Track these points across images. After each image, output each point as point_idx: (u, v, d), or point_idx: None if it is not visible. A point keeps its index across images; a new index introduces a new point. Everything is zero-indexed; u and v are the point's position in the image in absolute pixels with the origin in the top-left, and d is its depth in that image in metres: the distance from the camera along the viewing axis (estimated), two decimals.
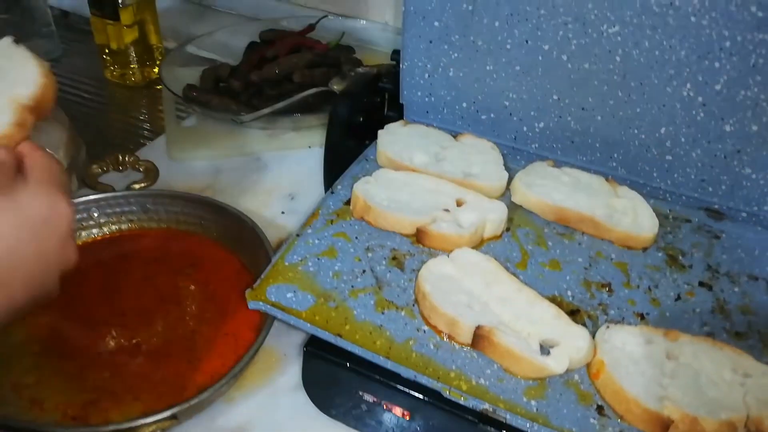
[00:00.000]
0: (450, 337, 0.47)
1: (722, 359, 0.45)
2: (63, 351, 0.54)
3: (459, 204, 0.58)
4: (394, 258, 0.54)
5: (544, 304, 0.48)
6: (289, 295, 0.51)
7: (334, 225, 0.58)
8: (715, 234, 0.59)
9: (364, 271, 0.53)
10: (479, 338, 0.45)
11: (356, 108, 0.67)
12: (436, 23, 0.64)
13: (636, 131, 0.61)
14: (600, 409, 0.44)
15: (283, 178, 0.78)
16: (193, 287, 0.61)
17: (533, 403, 0.44)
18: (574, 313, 0.50)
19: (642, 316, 0.50)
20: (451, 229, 0.55)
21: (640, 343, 0.46)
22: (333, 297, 0.50)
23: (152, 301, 0.59)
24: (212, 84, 0.88)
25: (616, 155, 0.63)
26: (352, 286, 0.51)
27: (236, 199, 0.74)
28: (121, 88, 1.04)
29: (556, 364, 0.44)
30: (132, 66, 1.02)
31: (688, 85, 0.56)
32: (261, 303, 0.50)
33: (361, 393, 0.48)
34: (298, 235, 0.56)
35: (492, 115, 0.67)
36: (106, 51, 1.01)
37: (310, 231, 0.57)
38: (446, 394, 0.44)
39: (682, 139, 0.59)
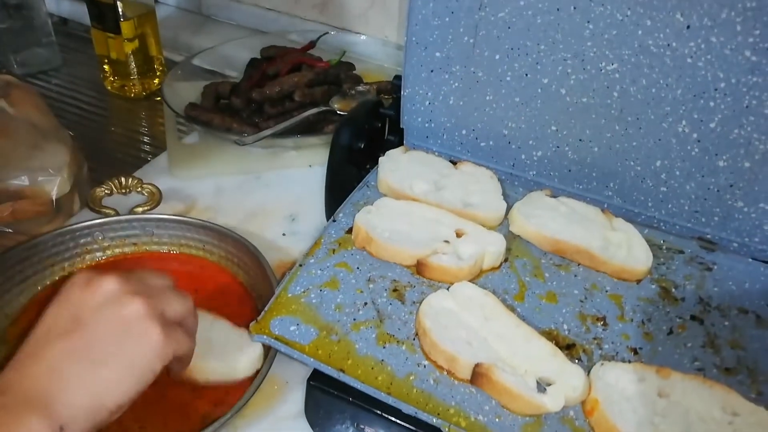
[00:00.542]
0: (449, 373, 0.49)
1: (712, 398, 0.46)
2: None
3: (459, 235, 0.59)
4: (395, 290, 0.56)
5: (540, 341, 0.49)
6: (292, 328, 0.52)
7: (336, 255, 0.59)
8: (707, 266, 0.61)
9: (365, 304, 0.54)
10: (478, 375, 0.47)
11: (358, 134, 0.68)
12: (438, 54, 0.65)
13: (632, 163, 0.62)
14: None
15: (284, 199, 0.79)
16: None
17: None
18: (570, 348, 0.52)
19: (635, 351, 0.52)
20: (450, 261, 0.56)
21: (633, 380, 0.47)
22: (335, 330, 0.52)
23: None
24: (213, 101, 0.89)
25: (612, 185, 0.65)
26: (354, 319, 0.53)
27: (238, 220, 0.75)
28: (121, 99, 1.04)
29: (552, 402, 0.45)
30: (132, 77, 1.02)
31: (684, 122, 0.58)
32: (265, 337, 0.51)
33: (362, 426, 0.49)
34: (300, 265, 0.57)
35: (491, 143, 0.68)
36: (106, 62, 1.02)
37: (312, 261, 0.58)
38: (446, 430, 0.45)
39: (677, 172, 0.61)
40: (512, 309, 0.54)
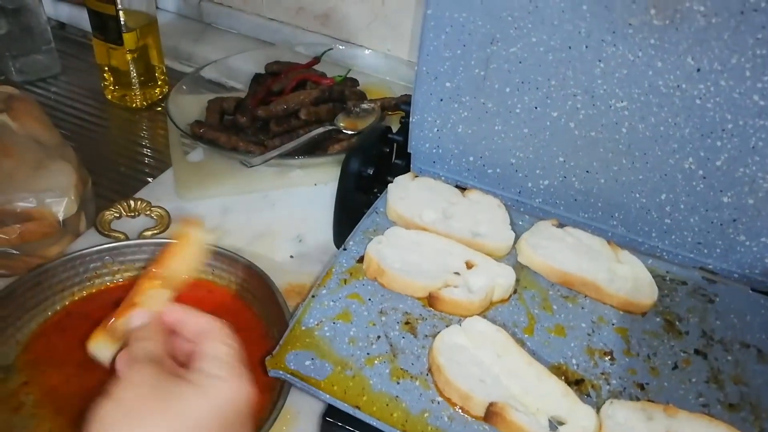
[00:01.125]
0: (463, 410, 0.50)
1: None
2: (84, 411, 0.55)
3: (469, 266, 0.60)
4: (407, 323, 0.57)
5: (551, 379, 0.51)
6: (307, 362, 0.53)
7: (347, 285, 0.59)
8: (709, 298, 0.62)
9: (378, 337, 0.55)
10: (492, 414, 0.48)
11: (367, 160, 0.69)
12: (448, 84, 0.65)
13: (637, 195, 0.64)
14: None
15: (291, 219, 0.80)
16: None
17: None
18: (579, 383, 0.53)
19: (642, 387, 0.53)
20: (462, 294, 0.57)
21: (641, 419, 0.49)
22: (350, 365, 0.52)
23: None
24: (218, 117, 0.89)
25: (617, 215, 0.66)
26: (368, 354, 0.54)
27: (245, 242, 0.75)
28: (121, 109, 1.04)
29: None
30: (134, 87, 1.02)
31: (690, 159, 0.59)
32: (281, 372, 0.52)
33: None
34: (313, 296, 0.58)
35: (498, 170, 0.69)
36: (107, 71, 1.01)
37: (324, 291, 0.59)
38: None
39: (682, 206, 0.62)
40: (522, 343, 0.55)
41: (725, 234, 0.62)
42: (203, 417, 0.38)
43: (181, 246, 0.48)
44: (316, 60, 0.97)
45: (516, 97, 0.63)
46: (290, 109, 0.86)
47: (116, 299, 0.65)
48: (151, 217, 0.70)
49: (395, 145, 0.74)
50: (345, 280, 0.60)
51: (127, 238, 0.67)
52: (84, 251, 0.65)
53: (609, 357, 0.56)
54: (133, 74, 1.00)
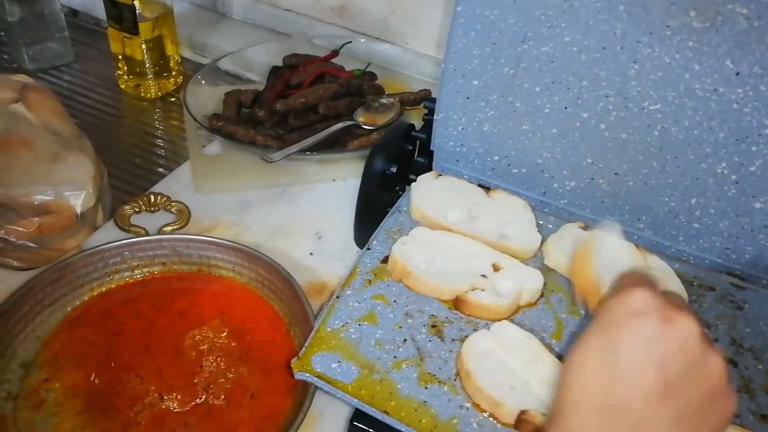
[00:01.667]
0: (492, 416, 0.49)
1: None
2: (106, 407, 0.55)
3: (496, 269, 0.59)
4: (433, 325, 0.56)
5: None
6: (333, 365, 0.52)
7: (372, 286, 0.59)
8: (738, 305, 0.61)
9: (405, 340, 0.54)
10: (523, 422, 0.47)
11: (391, 159, 0.68)
12: (476, 82, 0.64)
13: (666, 199, 0.63)
14: None
15: (310, 215, 0.79)
16: (228, 338, 0.61)
17: None
18: None
19: None
20: (489, 298, 0.56)
21: None
22: (377, 369, 0.52)
23: (190, 351, 0.60)
24: (235, 110, 0.88)
25: (644, 218, 0.65)
26: (395, 357, 0.53)
27: (264, 238, 0.74)
28: (134, 98, 1.03)
29: None
30: (148, 77, 1.00)
31: (723, 164, 0.58)
32: (308, 374, 0.51)
33: None
34: (338, 297, 0.57)
35: (523, 170, 0.68)
36: (121, 60, 1.00)
37: (349, 292, 0.58)
38: None
39: (711, 211, 0.61)
40: (551, 348, 0.54)
41: (755, 240, 0.61)
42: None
43: None
44: (335, 53, 0.96)
45: (546, 97, 0.62)
46: (309, 103, 0.85)
47: (135, 295, 0.65)
48: (171, 212, 0.70)
49: (418, 142, 0.73)
50: (369, 281, 0.59)
51: (147, 234, 0.66)
52: (103, 246, 0.64)
53: None
54: (148, 64, 0.99)
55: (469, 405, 0.50)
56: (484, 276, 0.58)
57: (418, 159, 0.74)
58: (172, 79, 1.04)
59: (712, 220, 0.62)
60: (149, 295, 0.65)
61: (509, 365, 0.51)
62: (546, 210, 0.69)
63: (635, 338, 0.35)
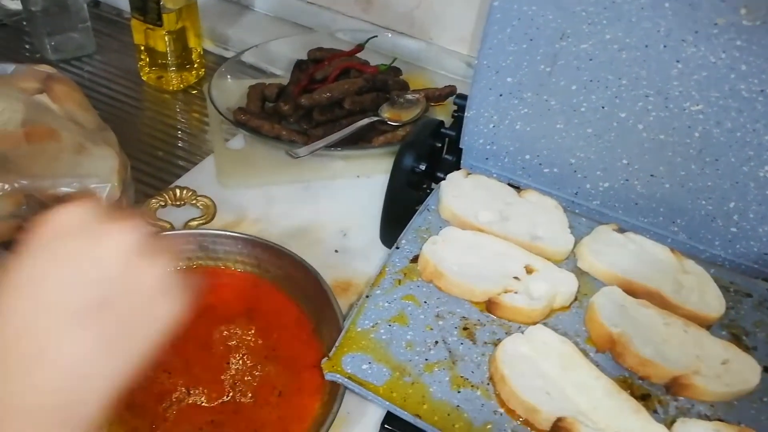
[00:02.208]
0: (527, 423, 0.48)
1: None
2: (132, 403, 0.54)
3: (529, 271, 0.58)
4: (465, 328, 0.55)
5: (621, 395, 0.49)
6: (364, 366, 0.51)
7: (402, 286, 0.58)
8: None
9: (436, 342, 0.53)
10: (559, 429, 0.46)
11: (420, 156, 0.67)
12: (510, 79, 0.63)
13: (704, 202, 0.61)
14: None
15: (334, 211, 0.78)
16: (255, 336, 0.60)
17: None
18: (644, 398, 0.51)
19: (711, 404, 0.51)
20: (523, 301, 0.55)
21: None
22: (408, 371, 0.51)
23: (217, 346, 0.59)
24: (259, 104, 0.87)
25: (679, 221, 0.64)
26: (426, 359, 0.52)
27: (289, 234, 0.73)
28: (156, 90, 1.02)
29: None
30: (171, 69, 1.00)
31: (767, 168, 0.56)
32: (338, 375, 0.50)
33: None
34: (367, 296, 0.56)
35: (555, 170, 0.67)
36: (143, 51, 0.99)
37: (378, 292, 0.57)
38: None
39: (751, 215, 0.60)
40: (585, 353, 0.53)
41: None
42: None
43: None
44: (360, 47, 0.94)
45: (582, 96, 0.60)
46: (334, 98, 0.84)
47: None
48: (197, 207, 0.69)
49: (447, 140, 0.72)
50: (399, 281, 0.58)
51: (173, 228, 0.66)
52: None
53: None
54: (171, 56, 0.98)
55: (502, 411, 0.49)
56: (516, 278, 0.57)
57: (446, 156, 0.72)
58: (194, 72, 1.03)
59: (751, 225, 0.60)
60: None
61: (544, 370, 0.50)
62: (577, 211, 0.67)
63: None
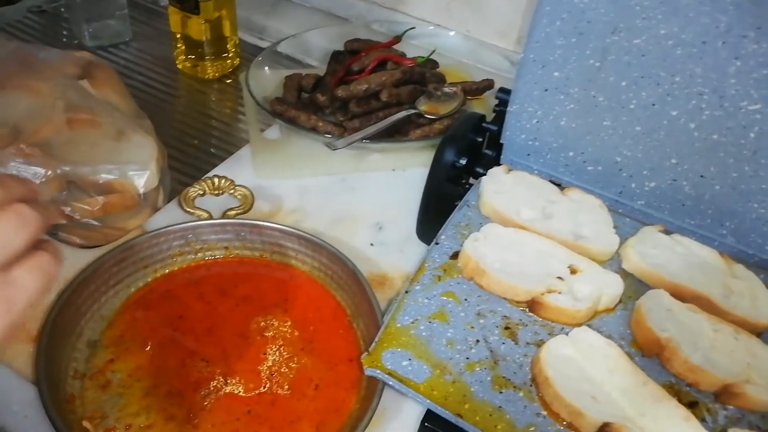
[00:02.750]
0: (570, 426, 0.47)
1: None
2: (170, 391, 0.54)
3: (573, 271, 0.57)
4: (506, 327, 0.54)
5: (670, 402, 0.47)
6: (404, 363, 0.50)
7: (441, 282, 0.57)
8: None
9: (477, 341, 0.52)
10: None
11: (461, 151, 0.66)
12: (556, 73, 0.61)
13: (755, 205, 0.59)
14: None
15: (370, 204, 0.77)
16: (292, 327, 0.60)
17: None
18: (692, 405, 0.49)
19: (762, 414, 0.50)
20: (567, 302, 0.54)
21: None
22: (449, 369, 0.50)
23: (255, 336, 0.59)
24: (295, 94, 0.86)
25: (728, 224, 0.62)
26: (467, 358, 0.51)
27: (324, 226, 0.73)
28: (192, 79, 1.02)
29: None
30: (207, 58, 1.00)
31: None
32: (378, 371, 0.49)
33: None
34: (407, 292, 0.56)
35: (599, 168, 0.65)
36: (180, 39, 0.99)
37: (418, 288, 0.56)
38: None
39: None
40: (630, 357, 0.52)
41: None
42: None
43: None
44: (398, 39, 0.93)
45: (632, 92, 0.59)
46: (371, 90, 0.83)
47: (198, 278, 0.65)
48: (235, 197, 0.68)
49: (487, 134, 0.71)
50: (439, 277, 0.57)
51: (211, 217, 0.65)
52: (168, 228, 0.64)
53: None
54: (207, 45, 0.98)
55: (545, 413, 0.48)
56: (560, 278, 0.56)
57: (485, 151, 0.71)
58: (229, 61, 1.03)
59: None
60: (212, 278, 0.64)
61: (589, 374, 0.49)
62: (620, 210, 0.66)
63: None
